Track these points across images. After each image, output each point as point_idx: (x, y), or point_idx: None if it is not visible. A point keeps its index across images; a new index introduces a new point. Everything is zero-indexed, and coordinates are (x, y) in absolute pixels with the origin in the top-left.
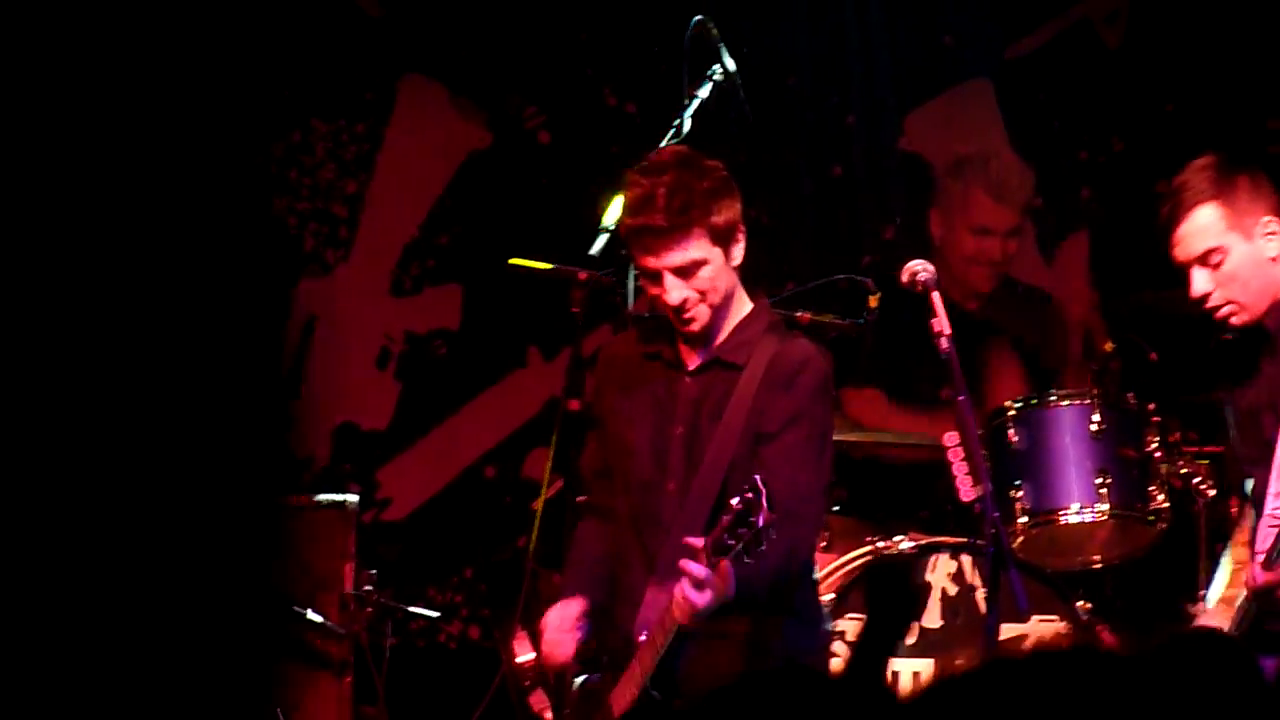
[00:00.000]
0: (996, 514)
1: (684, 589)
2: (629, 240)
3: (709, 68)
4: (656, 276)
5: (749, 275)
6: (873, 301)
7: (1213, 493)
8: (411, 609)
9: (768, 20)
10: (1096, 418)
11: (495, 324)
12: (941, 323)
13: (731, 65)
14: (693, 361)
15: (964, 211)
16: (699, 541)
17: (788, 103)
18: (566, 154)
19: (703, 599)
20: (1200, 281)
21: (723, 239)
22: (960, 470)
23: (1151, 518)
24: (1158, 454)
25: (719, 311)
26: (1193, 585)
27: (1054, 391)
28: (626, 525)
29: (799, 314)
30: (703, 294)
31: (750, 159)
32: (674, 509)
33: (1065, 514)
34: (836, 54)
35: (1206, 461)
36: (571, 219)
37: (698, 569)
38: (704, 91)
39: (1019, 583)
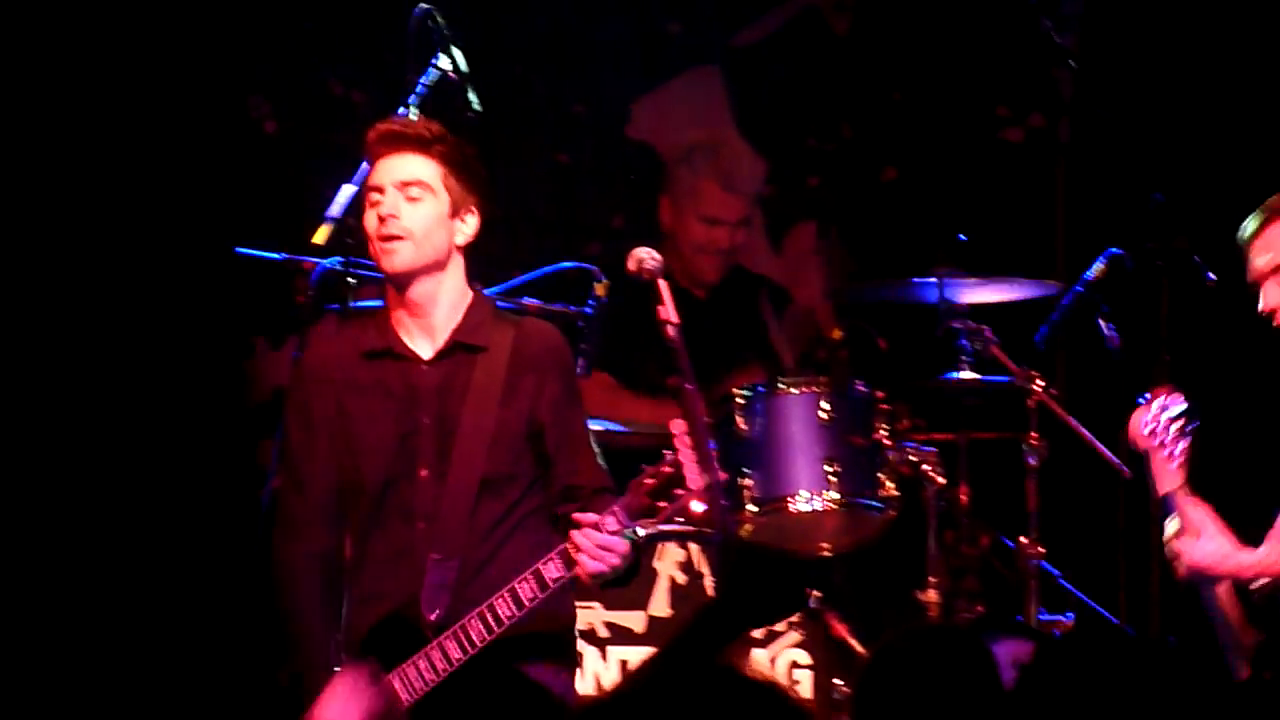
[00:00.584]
0: (725, 502)
1: (590, 554)
2: (370, 157)
3: (434, 56)
4: (377, 192)
5: (478, 262)
6: (600, 289)
7: (942, 480)
8: None
9: (493, 8)
10: (825, 405)
11: (220, 314)
12: (668, 311)
13: (458, 55)
14: (426, 350)
15: (694, 200)
16: (595, 517)
17: (514, 91)
18: (292, 143)
19: (609, 563)
20: (1271, 296)
21: (456, 194)
22: (688, 459)
23: (880, 505)
24: (886, 441)
25: (426, 271)
26: (921, 573)
27: (782, 379)
28: (364, 525)
29: (526, 301)
30: (412, 228)
31: (477, 148)
32: (430, 495)
33: (794, 502)
34: (562, 41)
35: (935, 449)
36: (297, 209)
37: (605, 537)
38: (429, 80)
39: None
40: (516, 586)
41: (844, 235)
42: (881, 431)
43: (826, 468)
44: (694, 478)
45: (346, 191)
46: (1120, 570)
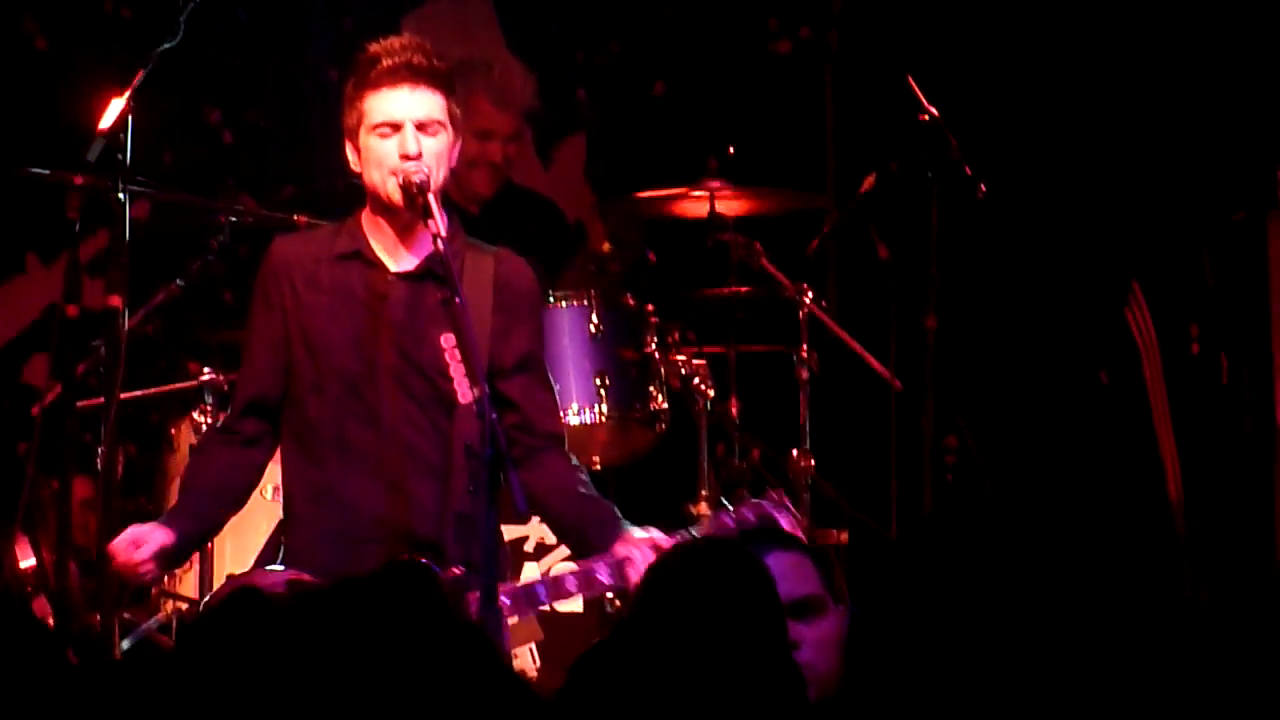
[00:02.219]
0: (494, 415)
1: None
2: (366, 85)
3: None
4: (389, 127)
5: (249, 177)
6: None
7: (712, 393)
8: None
9: None
10: (595, 319)
11: None
12: (437, 224)
13: None
14: (400, 264)
15: (466, 115)
16: (660, 538)
17: (284, 6)
18: (63, 60)
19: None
20: None
21: (454, 124)
22: (458, 373)
23: (651, 419)
24: (657, 355)
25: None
26: (694, 486)
27: (552, 293)
28: (320, 426)
29: (297, 217)
30: (429, 165)
31: (247, 62)
32: (394, 403)
33: (565, 415)
34: None
35: (704, 361)
36: (69, 124)
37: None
38: None
39: (517, 484)
40: (564, 579)
41: (614, 148)
42: (652, 345)
43: (597, 381)
44: (464, 391)
45: (116, 106)
46: (891, 483)
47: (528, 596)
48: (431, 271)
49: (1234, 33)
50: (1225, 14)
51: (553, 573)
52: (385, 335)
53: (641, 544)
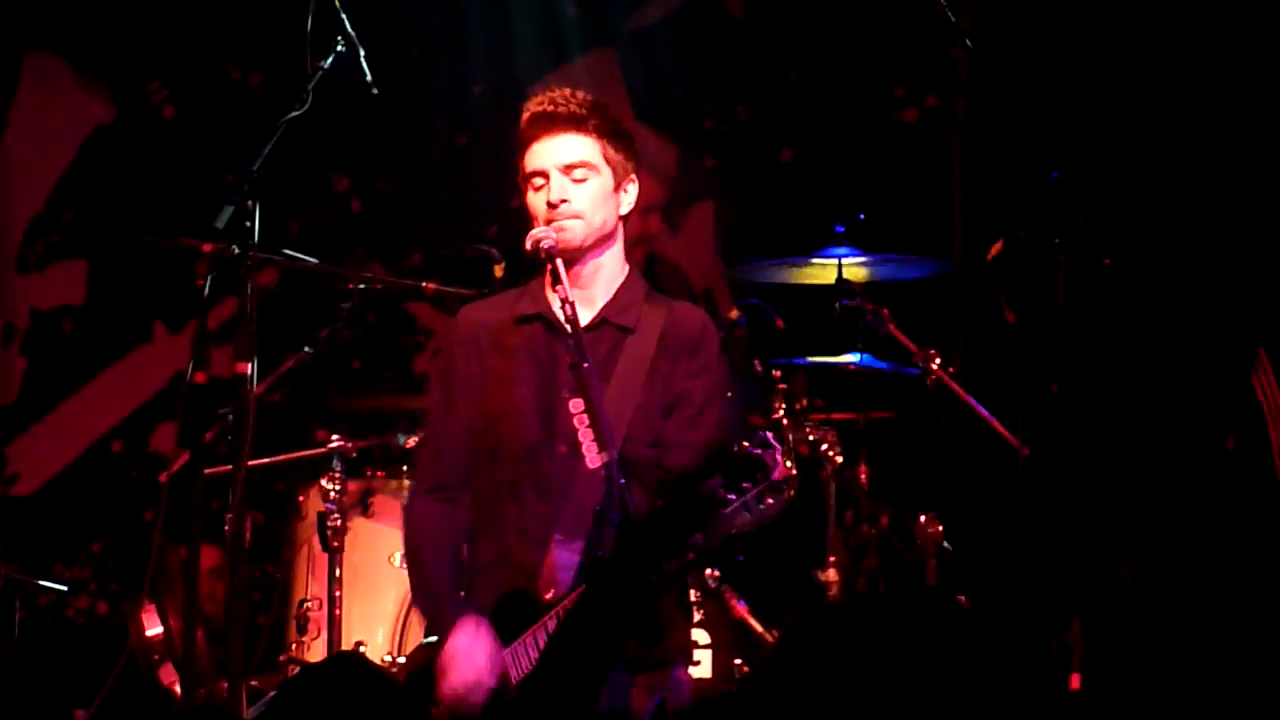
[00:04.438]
0: (623, 480)
1: None
2: (522, 139)
3: (332, 40)
4: (540, 177)
5: (378, 244)
6: (498, 271)
7: (840, 459)
8: (40, 583)
9: None
10: None
11: (121, 299)
12: (565, 289)
13: (354, 36)
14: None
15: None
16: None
17: (412, 74)
18: (191, 128)
19: None
20: None
21: (615, 167)
22: (586, 437)
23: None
24: (785, 421)
25: (594, 247)
26: (821, 551)
27: None
28: (497, 492)
29: (425, 284)
30: (582, 208)
31: (376, 131)
32: (567, 472)
33: None
34: (460, 24)
35: (833, 428)
36: (197, 193)
37: None
38: (327, 64)
39: None
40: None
41: (741, 215)
42: (779, 411)
43: None
44: (592, 456)
45: (245, 174)
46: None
47: None
48: (608, 321)
49: None
50: None
51: None
52: (562, 405)
53: None
